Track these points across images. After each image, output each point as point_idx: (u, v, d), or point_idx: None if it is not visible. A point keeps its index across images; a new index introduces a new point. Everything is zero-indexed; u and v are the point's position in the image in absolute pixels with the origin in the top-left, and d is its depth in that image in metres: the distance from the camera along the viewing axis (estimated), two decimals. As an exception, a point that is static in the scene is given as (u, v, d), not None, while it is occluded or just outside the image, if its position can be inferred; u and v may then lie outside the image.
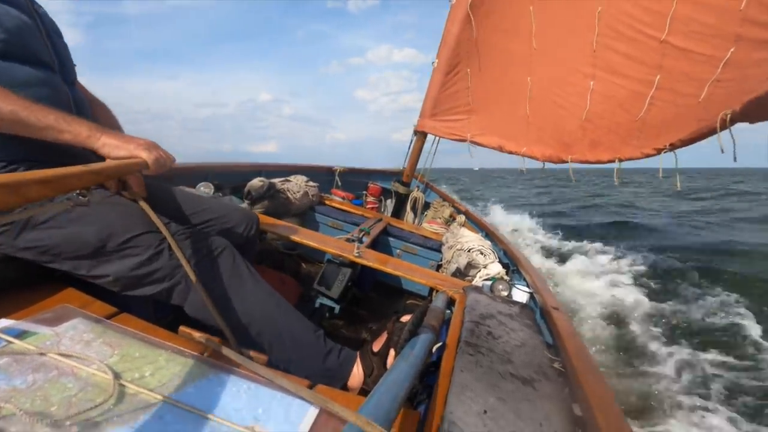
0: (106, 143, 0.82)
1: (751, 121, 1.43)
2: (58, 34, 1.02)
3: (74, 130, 0.80)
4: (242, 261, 0.97)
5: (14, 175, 0.48)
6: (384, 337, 0.98)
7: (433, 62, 3.02)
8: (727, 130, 1.52)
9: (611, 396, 0.70)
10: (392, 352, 0.93)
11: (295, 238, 1.47)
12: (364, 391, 0.93)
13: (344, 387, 0.93)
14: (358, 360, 0.96)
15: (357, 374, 0.94)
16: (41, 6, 1.00)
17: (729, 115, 1.45)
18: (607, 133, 2.24)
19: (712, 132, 1.59)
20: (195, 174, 1.85)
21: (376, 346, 0.97)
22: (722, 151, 1.57)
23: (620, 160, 2.15)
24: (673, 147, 1.85)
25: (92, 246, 0.84)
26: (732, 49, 1.66)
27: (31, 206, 0.49)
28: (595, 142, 2.30)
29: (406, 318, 0.99)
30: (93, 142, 0.81)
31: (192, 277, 0.82)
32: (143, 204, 0.85)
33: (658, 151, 1.92)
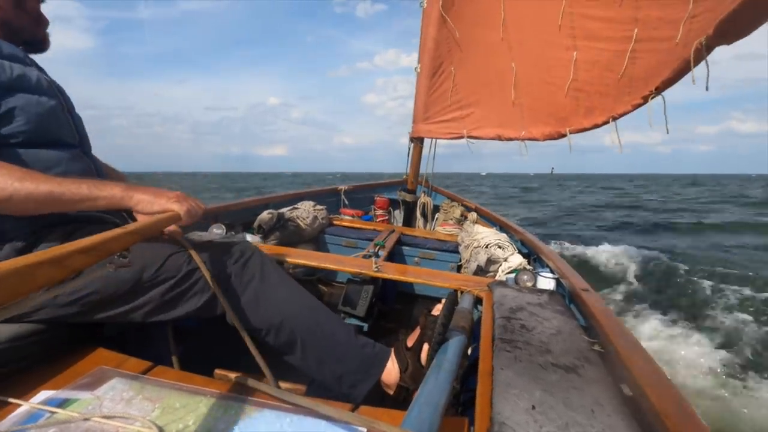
0: (140, 200, 0.85)
1: (729, 41, 1.38)
2: (73, 107, 1.07)
3: (108, 194, 0.84)
4: (270, 262, 0.99)
5: (57, 249, 0.49)
6: (417, 332, 0.98)
7: (415, 68, 3.05)
8: (703, 63, 1.47)
9: (660, 371, 0.68)
10: (426, 346, 0.92)
11: (313, 263, 1.47)
12: (400, 388, 0.92)
13: (379, 382, 0.93)
14: (393, 356, 0.96)
15: (392, 370, 0.94)
16: (57, 83, 1.05)
17: (704, 42, 1.42)
18: (599, 98, 2.23)
19: (689, 66, 1.56)
20: (205, 217, 1.87)
21: (410, 342, 0.97)
22: (693, 82, 1.52)
23: (614, 119, 2.14)
24: (658, 91, 1.82)
25: (131, 281, 0.86)
26: None
27: (75, 277, 0.51)
28: (589, 108, 2.29)
29: (437, 311, 0.99)
30: (127, 202, 0.85)
31: (214, 288, 0.85)
32: (182, 240, 0.88)
33: (645, 99, 1.89)
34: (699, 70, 1.50)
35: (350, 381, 0.90)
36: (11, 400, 0.66)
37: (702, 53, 1.44)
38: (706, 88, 1.48)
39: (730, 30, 1.34)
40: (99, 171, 1.06)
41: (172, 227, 0.93)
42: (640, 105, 1.96)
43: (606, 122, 2.18)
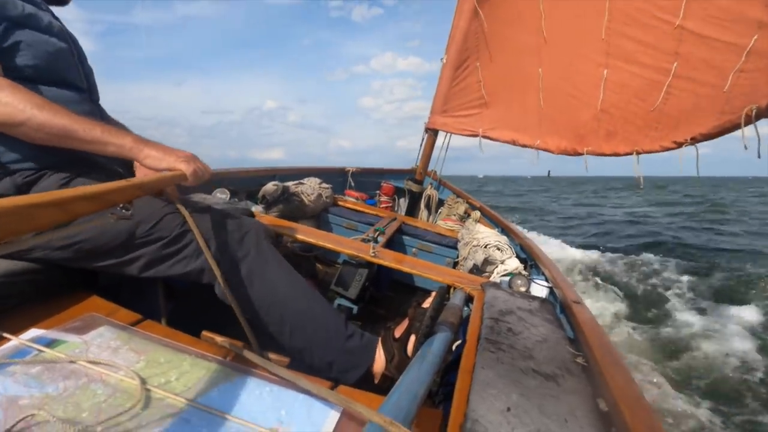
0: (149, 155, 0.86)
1: None
2: (85, 58, 1.07)
3: (118, 142, 0.84)
4: (267, 243, 0.99)
5: (61, 193, 0.50)
6: (405, 323, 0.99)
7: (441, 58, 3.00)
8: (751, 126, 1.44)
9: (637, 390, 0.68)
10: (413, 338, 0.93)
11: (311, 240, 1.48)
12: (385, 377, 0.93)
13: (368, 371, 0.93)
14: (380, 345, 0.96)
15: (379, 360, 0.94)
16: (72, 33, 1.04)
17: (755, 110, 1.38)
18: (623, 124, 2.17)
19: (735, 127, 1.51)
20: (210, 180, 1.88)
21: (398, 332, 0.98)
22: (746, 148, 1.48)
23: (638, 153, 2.08)
24: (694, 141, 1.75)
25: (124, 234, 0.86)
26: (755, 37, 1.56)
27: (77, 222, 0.51)
28: (610, 132, 2.23)
29: (427, 304, 0.99)
30: (136, 154, 0.85)
31: (210, 260, 0.84)
32: (180, 207, 0.88)
33: (679, 145, 1.82)
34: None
35: (340, 368, 0.90)
36: (2, 333, 0.68)
37: (750, 120, 1.41)
38: (759, 156, 1.44)
39: None
40: (106, 121, 1.06)
41: (172, 189, 0.94)
42: (669, 149, 1.90)
43: (628, 153, 2.12)
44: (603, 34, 2.16)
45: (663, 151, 1.96)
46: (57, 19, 1.01)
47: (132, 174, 1.08)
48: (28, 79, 0.86)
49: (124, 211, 0.66)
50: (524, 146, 2.71)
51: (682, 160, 1.83)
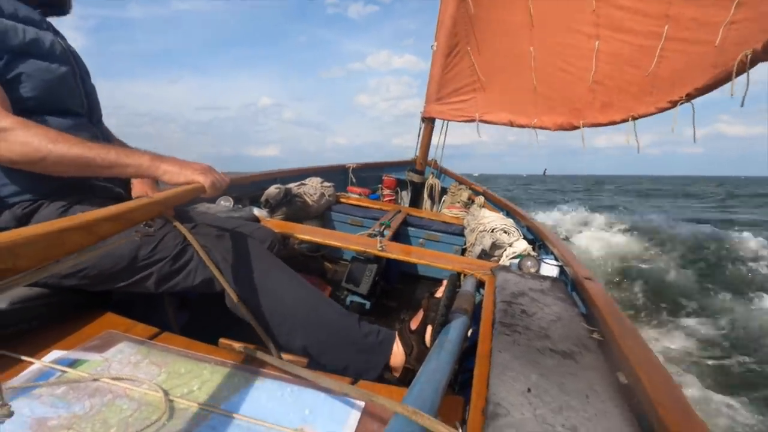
0: (167, 171, 0.86)
1: None
2: (88, 75, 1.06)
3: (136, 162, 0.85)
4: (269, 252, 1.00)
5: (86, 215, 0.50)
6: (420, 314, 0.99)
7: (432, 45, 2.97)
8: (743, 75, 1.43)
9: (656, 360, 0.68)
10: (429, 328, 0.93)
11: (318, 239, 1.48)
12: (407, 370, 0.93)
13: (387, 366, 0.94)
14: (398, 339, 0.97)
15: (398, 353, 0.95)
16: (74, 49, 1.03)
17: (749, 55, 1.37)
18: (618, 93, 2.15)
19: (728, 77, 1.51)
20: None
21: (414, 324, 0.98)
22: (732, 95, 1.48)
23: (634, 118, 2.07)
24: (689, 97, 1.75)
25: (128, 258, 0.87)
26: None
27: (102, 243, 0.52)
28: (606, 104, 2.22)
29: (439, 293, 0.99)
30: (154, 171, 0.86)
31: (214, 271, 0.84)
32: (176, 223, 0.89)
33: (674, 104, 1.82)
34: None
35: (356, 369, 0.90)
36: (24, 357, 0.69)
37: (745, 66, 1.39)
38: (741, 105, 1.44)
39: None
40: (108, 140, 1.06)
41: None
42: (665, 109, 1.89)
43: (624, 120, 2.11)
44: (594, 4, 2.14)
45: (659, 112, 1.95)
46: (58, 33, 0.99)
47: (129, 192, 1.09)
48: (29, 111, 0.86)
49: (147, 228, 0.67)
50: (521, 126, 2.70)
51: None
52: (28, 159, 0.77)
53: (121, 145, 1.25)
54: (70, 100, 0.96)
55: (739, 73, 1.43)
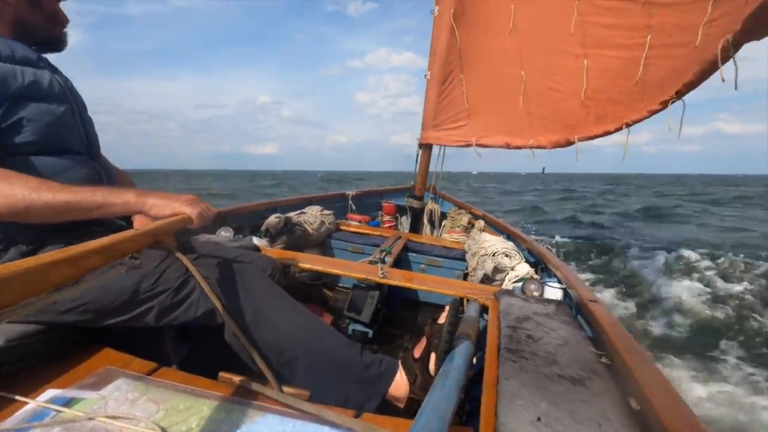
0: (153, 204, 0.86)
1: (758, 37, 1.35)
2: (85, 109, 1.07)
3: (122, 201, 0.85)
4: (271, 282, 0.98)
5: (72, 249, 0.50)
6: (423, 342, 0.97)
7: (425, 75, 3.05)
8: (730, 63, 1.44)
9: (667, 384, 0.66)
10: (433, 356, 0.91)
11: (319, 268, 1.47)
12: (411, 400, 0.91)
13: (386, 396, 0.91)
14: (401, 368, 0.94)
15: (402, 383, 0.92)
16: (69, 79, 1.04)
17: (730, 40, 1.39)
18: (610, 105, 2.21)
19: (714, 66, 1.53)
20: (213, 219, 1.89)
21: (417, 352, 0.96)
22: (722, 80, 1.49)
23: (627, 125, 2.11)
24: (679, 94, 1.78)
25: (129, 291, 0.86)
26: None
27: (88, 276, 0.51)
28: (599, 116, 2.27)
29: (442, 319, 0.98)
30: (141, 207, 0.86)
31: (216, 303, 0.83)
32: (178, 253, 0.88)
33: (665, 104, 1.86)
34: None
35: (356, 401, 0.88)
36: (18, 397, 0.67)
37: (729, 52, 1.41)
38: (735, 87, 1.45)
39: (759, 26, 1.31)
40: (107, 174, 1.06)
41: (169, 239, 0.94)
42: (657, 111, 1.93)
43: (618, 129, 2.16)
44: (573, 28, 2.24)
45: (651, 115, 1.98)
46: (56, 70, 1.00)
47: (131, 224, 1.09)
48: (28, 153, 0.87)
49: (133, 260, 0.66)
50: (518, 148, 2.74)
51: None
52: (13, 210, 0.76)
53: (120, 174, 1.26)
54: (69, 139, 0.97)
55: (724, 60, 1.45)
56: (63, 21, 1.05)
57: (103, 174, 1.04)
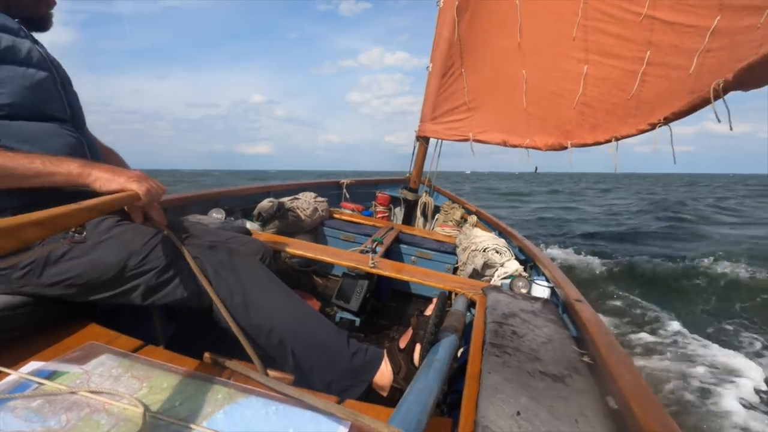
0: (98, 177, 0.82)
1: (745, 89, 1.41)
2: (69, 83, 1.05)
3: (64, 170, 0.81)
4: (261, 266, 0.98)
5: (9, 220, 0.49)
6: (409, 332, 0.98)
7: (427, 67, 3.03)
8: (721, 100, 1.49)
9: (646, 386, 0.68)
10: (418, 347, 0.92)
11: (309, 254, 1.47)
12: (394, 389, 0.92)
13: (372, 385, 0.92)
14: (386, 358, 0.95)
15: (386, 372, 0.93)
16: (55, 58, 1.02)
17: (722, 84, 1.43)
18: (605, 115, 2.24)
19: (705, 102, 1.58)
20: (206, 201, 1.88)
21: (402, 343, 0.97)
22: (719, 121, 1.54)
23: (617, 139, 2.15)
24: (667, 120, 1.84)
25: (116, 267, 0.85)
26: (718, 17, 1.65)
27: (31, 248, 0.51)
28: (594, 125, 2.30)
29: (429, 311, 0.98)
30: (85, 179, 0.82)
31: (205, 283, 0.83)
32: (168, 232, 0.87)
33: (653, 126, 1.91)
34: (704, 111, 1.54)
35: (339, 387, 0.89)
36: (0, 368, 0.67)
37: (719, 94, 1.46)
38: (730, 128, 1.50)
39: (749, 80, 1.36)
40: (91, 148, 1.03)
41: (157, 215, 0.92)
42: (645, 131, 1.99)
43: (608, 141, 2.21)
44: (576, 32, 2.25)
45: (639, 134, 2.04)
46: (38, 43, 0.98)
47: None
48: (5, 117, 0.85)
49: (76, 235, 0.65)
50: (514, 146, 2.75)
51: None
52: None
53: (111, 153, 1.23)
54: (49, 105, 0.94)
55: (716, 98, 1.49)
56: (49, 1, 1.03)
57: (86, 147, 1.01)
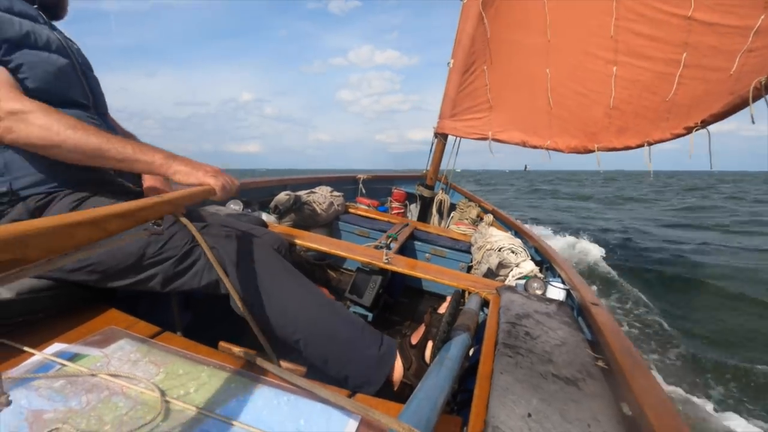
0: (177, 171, 0.87)
1: None
2: (90, 68, 1.07)
3: (149, 159, 0.86)
4: (277, 256, 0.99)
5: (95, 211, 0.51)
6: (422, 329, 0.98)
7: (448, 63, 3.00)
8: (762, 100, 1.44)
9: (662, 393, 0.66)
10: (430, 344, 0.92)
11: (324, 248, 1.48)
12: (404, 385, 0.92)
13: (386, 382, 0.92)
14: (397, 353, 0.95)
15: (397, 367, 0.93)
16: (74, 42, 1.04)
17: (763, 82, 1.38)
18: (634, 118, 2.16)
19: (745, 103, 1.52)
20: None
21: (415, 339, 0.97)
22: (753, 122, 1.49)
23: (649, 144, 2.07)
24: (704, 124, 1.76)
25: (135, 255, 0.88)
26: (762, 17, 1.59)
27: (110, 239, 0.53)
28: (622, 128, 2.22)
29: (442, 309, 0.98)
30: (165, 170, 0.87)
31: (221, 273, 0.84)
32: (184, 219, 0.89)
33: (689, 130, 1.83)
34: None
35: (355, 382, 0.89)
36: (26, 348, 0.69)
37: (761, 92, 1.41)
38: (753, 122, 1.45)
39: None
40: (115, 134, 1.07)
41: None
42: (680, 135, 1.90)
43: (640, 146, 2.13)
44: (612, 31, 2.16)
45: (673, 138, 1.96)
46: (56, 30, 1.00)
47: (141, 187, 1.10)
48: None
49: (155, 227, 0.67)
50: (534, 147, 2.70)
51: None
52: (46, 142, 0.78)
53: (129, 136, 1.27)
54: (72, 91, 0.97)
55: (756, 99, 1.44)
56: None
57: (110, 133, 1.04)
